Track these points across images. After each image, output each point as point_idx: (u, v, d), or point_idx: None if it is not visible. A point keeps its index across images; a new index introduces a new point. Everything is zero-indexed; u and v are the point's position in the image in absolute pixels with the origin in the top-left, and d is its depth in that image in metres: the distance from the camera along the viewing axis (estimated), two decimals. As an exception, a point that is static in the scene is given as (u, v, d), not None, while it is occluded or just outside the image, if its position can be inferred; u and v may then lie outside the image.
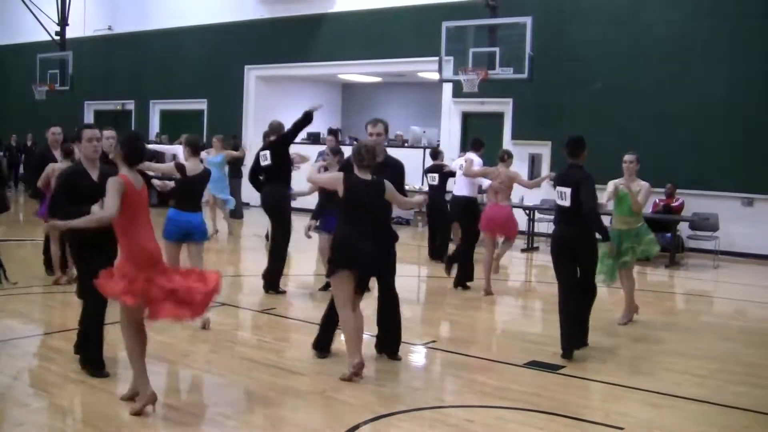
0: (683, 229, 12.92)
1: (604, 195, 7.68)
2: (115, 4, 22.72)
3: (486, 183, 9.74)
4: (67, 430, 4.75)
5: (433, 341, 6.91)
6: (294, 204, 9.06)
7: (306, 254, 11.14)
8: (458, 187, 10.04)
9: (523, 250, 13.32)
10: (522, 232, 12.30)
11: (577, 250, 6.65)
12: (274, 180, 8.77)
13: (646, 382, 5.84)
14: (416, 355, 6.51)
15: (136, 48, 21.74)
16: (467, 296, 9.16)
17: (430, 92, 17.66)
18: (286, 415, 4.95)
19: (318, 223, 8.37)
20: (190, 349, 6.38)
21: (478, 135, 11.26)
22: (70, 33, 22.55)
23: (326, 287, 8.53)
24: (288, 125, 8.88)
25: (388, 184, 5.67)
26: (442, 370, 6.32)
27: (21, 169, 22.36)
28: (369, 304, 6.58)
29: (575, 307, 6.50)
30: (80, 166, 5.52)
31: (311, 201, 9.12)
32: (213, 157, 14.15)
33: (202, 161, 12.97)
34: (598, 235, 6.87)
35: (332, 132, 15.78)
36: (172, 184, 7.09)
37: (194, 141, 7.33)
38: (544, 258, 13.03)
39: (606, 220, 7.35)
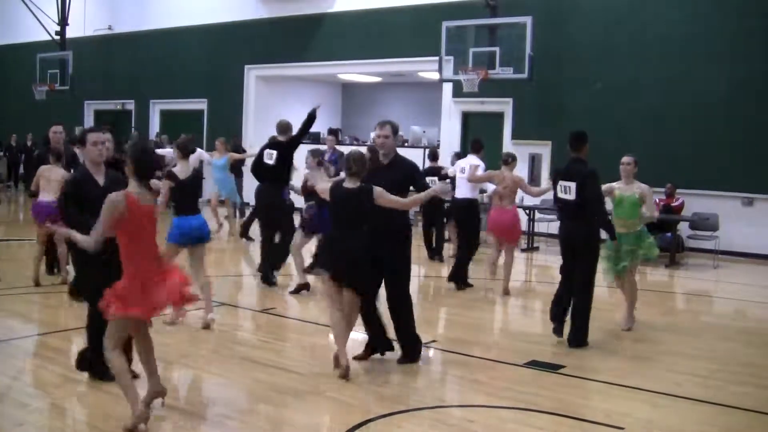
0: (683, 229, 12.91)
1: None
2: (115, 4, 22.71)
3: (491, 187, 9.73)
4: (66, 430, 4.75)
5: (433, 341, 6.91)
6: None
7: (306, 254, 11.13)
8: (460, 190, 9.98)
9: (523, 250, 13.32)
10: (522, 232, 12.29)
11: (578, 246, 6.70)
12: (273, 179, 8.81)
13: (647, 382, 5.84)
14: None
15: (136, 48, 21.73)
16: (467, 296, 9.16)
17: (430, 92, 17.65)
18: (286, 415, 4.95)
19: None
20: (189, 349, 6.38)
21: (478, 135, 11.27)
22: (70, 33, 22.55)
23: (297, 290, 8.66)
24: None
25: (377, 189, 5.59)
26: (442, 370, 6.32)
27: (21, 169, 22.35)
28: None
29: (567, 295, 6.86)
30: (86, 171, 5.36)
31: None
32: (217, 159, 14.20)
33: (209, 163, 12.98)
34: (605, 235, 6.93)
35: (332, 132, 15.83)
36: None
37: (183, 143, 7.29)
38: (544, 258, 13.04)
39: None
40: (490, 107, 15.80)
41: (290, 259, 9.05)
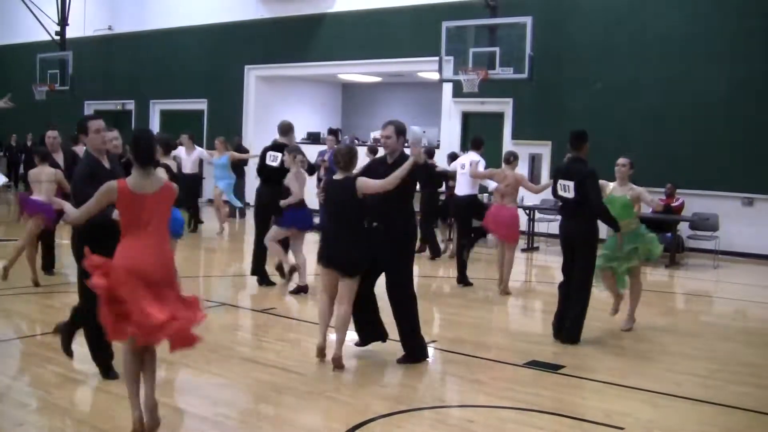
0: (683, 229, 12.91)
1: None
2: (115, 4, 22.71)
3: (492, 185, 9.77)
4: (67, 430, 4.75)
5: (434, 341, 6.91)
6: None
7: (307, 254, 11.13)
8: (461, 187, 10.04)
9: (523, 250, 13.31)
10: (522, 232, 12.30)
11: (576, 243, 6.75)
12: (273, 182, 8.81)
13: (647, 382, 5.84)
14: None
15: (136, 48, 21.73)
16: (467, 296, 9.16)
17: (430, 92, 17.64)
18: (286, 415, 4.95)
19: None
20: (189, 349, 6.37)
21: (478, 134, 11.27)
22: (70, 33, 22.54)
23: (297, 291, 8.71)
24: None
25: (360, 179, 5.80)
26: (442, 370, 6.31)
27: (21, 169, 22.34)
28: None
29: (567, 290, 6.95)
30: (91, 156, 5.27)
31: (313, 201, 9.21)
32: (217, 158, 14.23)
33: (210, 162, 13.03)
34: (611, 231, 6.99)
35: (332, 132, 15.83)
36: None
37: (165, 140, 7.33)
38: (544, 258, 13.05)
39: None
40: (490, 107, 15.80)
41: (292, 259, 9.05)
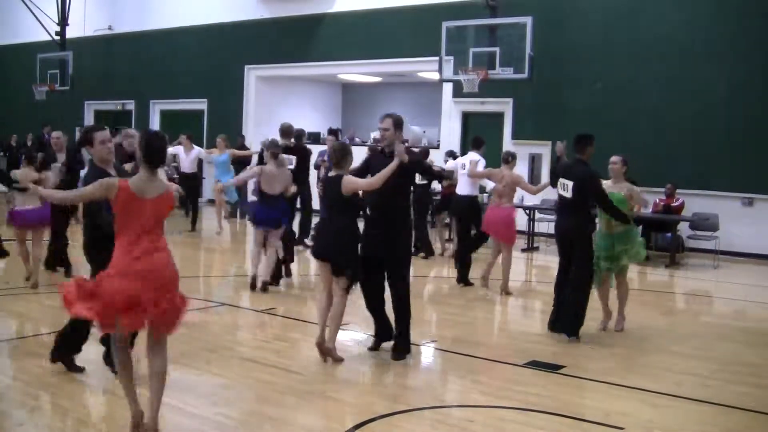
0: (683, 229, 12.91)
1: None
2: (115, 4, 22.71)
3: (490, 185, 9.79)
4: (66, 430, 4.75)
5: (434, 341, 6.91)
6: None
7: (306, 254, 11.14)
8: (461, 186, 10.05)
9: (523, 250, 13.32)
10: (522, 232, 12.31)
11: (573, 241, 6.88)
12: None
13: (647, 382, 5.84)
14: (416, 355, 6.50)
15: (136, 48, 21.72)
16: (467, 296, 9.16)
17: (430, 92, 17.65)
18: (286, 415, 4.95)
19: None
20: (189, 349, 6.37)
21: (479, 134, 11.27)
22: (70, 33, 22.53)
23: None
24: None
25: (345, 177, 5.95)
26: (442, 370, 6.32)
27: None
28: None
29: (564, 286, 7.05)
30: (96, 167, 5.28)
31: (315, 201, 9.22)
32: (218, 156, 14.25)
33: (210, 161, 13.03)
34: (601, 230, 7.04)
35: (332, 132, 15.84)
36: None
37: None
38: (544, 258, 13.04)
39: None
40: (490, 107, 15.80)
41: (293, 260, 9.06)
